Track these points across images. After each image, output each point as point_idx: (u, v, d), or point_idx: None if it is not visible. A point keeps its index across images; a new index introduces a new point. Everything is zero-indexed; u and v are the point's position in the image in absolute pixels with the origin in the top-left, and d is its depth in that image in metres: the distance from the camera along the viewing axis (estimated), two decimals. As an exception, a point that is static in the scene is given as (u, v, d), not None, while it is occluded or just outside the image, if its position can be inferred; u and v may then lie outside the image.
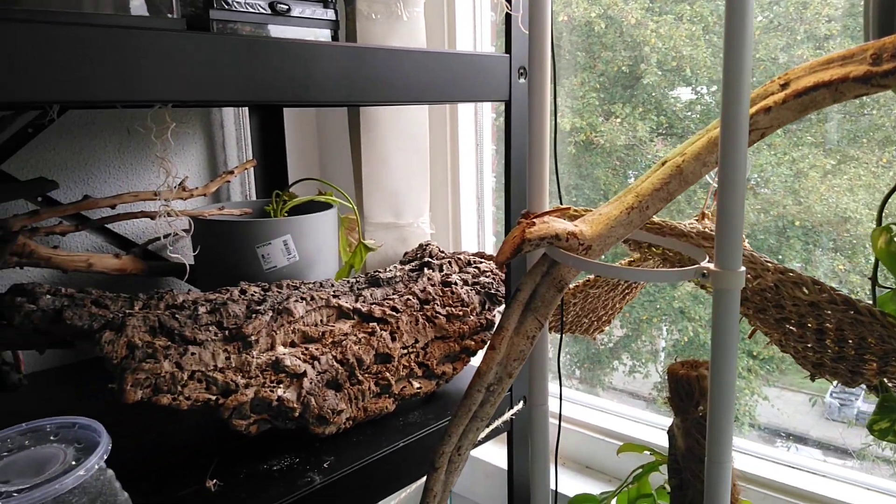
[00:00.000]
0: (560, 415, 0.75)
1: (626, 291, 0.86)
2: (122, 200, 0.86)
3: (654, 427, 1.04)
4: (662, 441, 1.00)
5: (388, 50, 0.62)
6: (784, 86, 0.52)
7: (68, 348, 0.68)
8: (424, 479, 0.74)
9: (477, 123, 1.17)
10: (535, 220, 0.52)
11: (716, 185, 0.78)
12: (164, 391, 0.62)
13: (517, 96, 0.75)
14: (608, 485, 1.05)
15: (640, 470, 0.72)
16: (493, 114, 1.20)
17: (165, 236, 0.71)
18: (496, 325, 0.51)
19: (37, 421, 0.53)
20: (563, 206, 0.60)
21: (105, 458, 0.49)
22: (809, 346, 0.60)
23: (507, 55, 0.74)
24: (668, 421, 1.05)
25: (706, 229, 0.60)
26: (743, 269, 0.50)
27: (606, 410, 1.09)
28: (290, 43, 0.54)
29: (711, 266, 0.50)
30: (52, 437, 0.52)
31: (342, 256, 1.05)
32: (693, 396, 0.58)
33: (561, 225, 0.52)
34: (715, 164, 0.54)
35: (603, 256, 0.55)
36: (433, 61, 0.66)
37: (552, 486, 0.66)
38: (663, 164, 0.55)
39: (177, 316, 0.69)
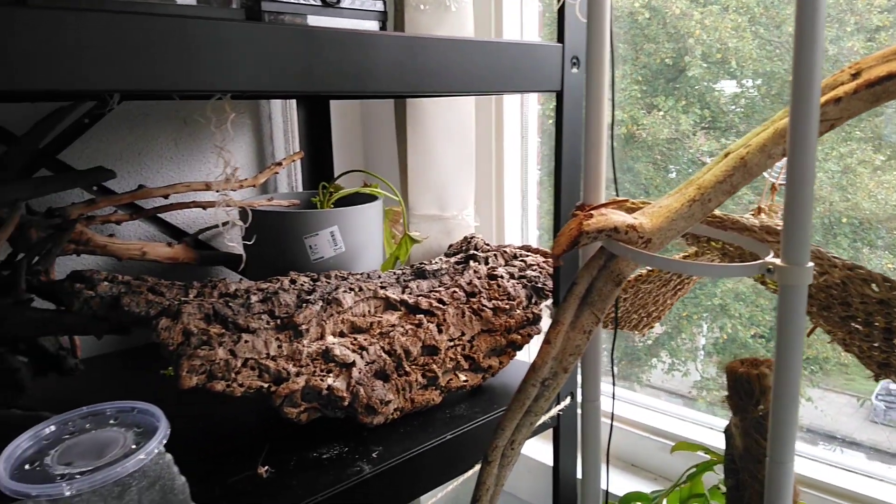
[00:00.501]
0: (612, 413, 0.73)
1: (678, 287, 0.84)
2: (176, 190, 0.88)
3: (699, 425, 1.02)
4: (706, 439, 0.99)
5: (442, 39, 0.61)
6: (855, 75, 0.50)
7: (124, 334, 0.69)
8: (470, 472, 0.74)
9: (522, 115, 1.16)
10: (592, 212, 0.51)
11: (772, 180, 0.76)
12: (219, 378, 0.63)
13: (570, 87, 0.74)
14: (653, 483, 1.03)
15: (694, 469, 0.71)
16: (539, 105, 1.19)
17: (224, 224, 0.71)
18: (552, 319, 0.50)
19: (97, 405, 0.54)
20: (620, 199, 0.59)
21: (164, 442, 0.49)
22: (876, 345, 0.57)
23: (560, 44, 0.73)
24: (713, 419, 1.03)
25: (772, 224, 0.58)
26: (811, 264, 0.48)
27: (651, 408, 1.07)
28: (346, 33, 0.54)
29: (778, 261, 0.49)
30: (111, 421, 0.53)
31: (385, 248, 1.05)
32: (753, 395, 0.56)
33: (620, 217, 0.51)
34: (781, 155, 0.53)
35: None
36: (485, 51, 0.66)
37: (603, 486, 0.65)
38: (726, 155, 0.53)
39: (230, 304, 0.70)
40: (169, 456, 0.50)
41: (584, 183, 0.60)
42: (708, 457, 0.70)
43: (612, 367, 0.70)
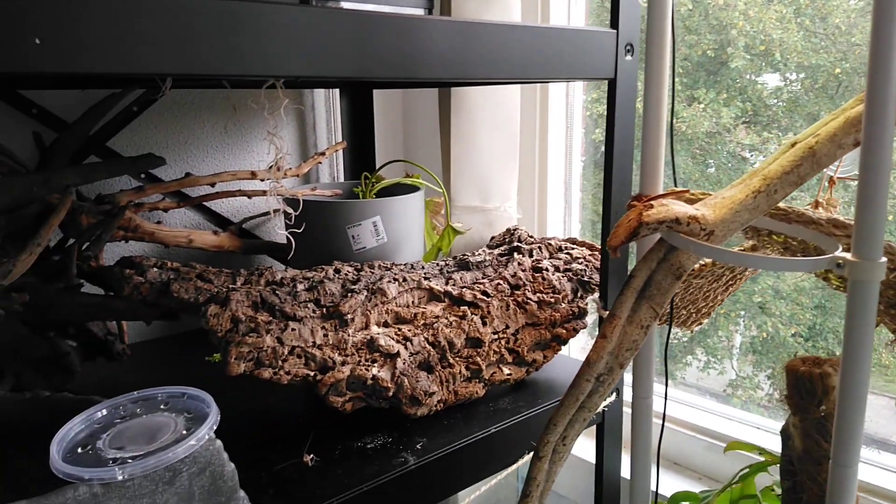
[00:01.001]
0: (664, 413, 0.71)
1: (730, 283, 0.81)
2: (221, 179, 0.88)
3: (744, 424, 0.99)
4: (751, 438, 0.96)
5: (495, 25, 0.60)
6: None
7: (173, 320, 0.70)
8: (514, 466, 0.73)
9: (568, 105, 1.14)
10: (651, 202, 0.49)
11: (829, 173, 0.72)
12: (266, 365, 0.63)
13: (623, 74, 0.72)
14: (696, 482, 1.01)
15: (747, 470, 0.69)
16: (585, 95, 1.16)
17: (275, 211, 0.71)
18: (608, 313, 0.49)
19: (148, 390, 0.54)
20: (679, 189, 0.57)
21: (214, 428, 0.49)
22: (948, 347, 0.55)
23: (614, 31, 0.71)
24: (757, 418, 1.00)
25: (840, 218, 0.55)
26: (884, 259, 0.46)
27: (693, 405, 1.05)
28: (400, 18, 0.53)
29: (848, 256, 0.46)
30: (162, 406, 0.53)
31: (426, 239, 1.04)
32: (815, 395, 0.54)
33: (681, 208, 0.49)
34: (852, 146, 0.50)
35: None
36: (538, 37, 0.64)
37: (652, 487, 0.63)
38: (793, 145, 0.51)
39: (277, 292, 0.70)
40: (219, 442, 0.50)
41: (641, 173, 0.58)
42: (763, 458, 0.68)
43: (666, 365, 0.68)
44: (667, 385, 0.70)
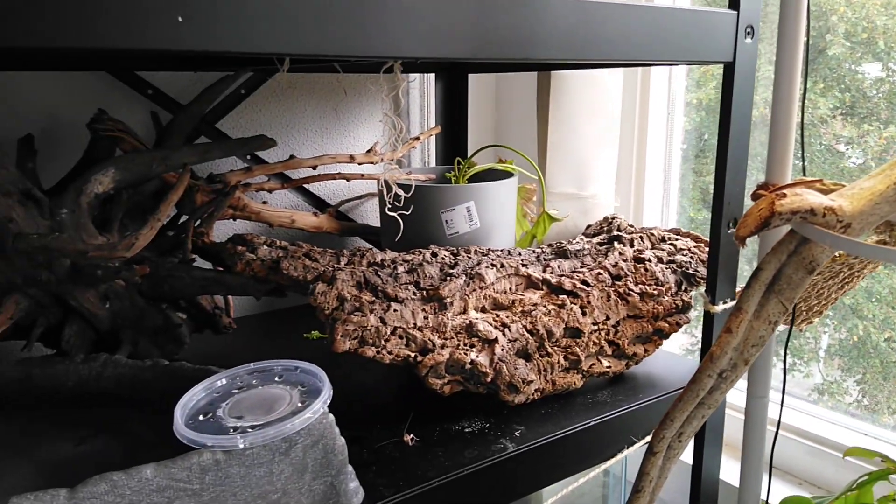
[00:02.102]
0: (779, 420, 0.67)
1: (846, 281, 0.77)
2: (322, 162, 0.90)
3: (850, 430, 0.94)
4: (854, 442, 0.91)
5: (614, 4, 0.58)
6: None
7: (280, 297, 0.72)
8: (612, 460, 0.71)
9: (670, 92, 1.10)
10: (784, 191, 0.47)
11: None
12: (370, 344, 0.63)
13: (742, 58, 0.68)
14: (798, 488, 0.96)
15: (865, 477, 0.64)
16: (686, 81, 1.12)
17: (388, 192, 0.72)
18: (733, 307, 0.46)
19: (263, 362, 0.56)
20: (810, 178, 0.53)
21: (328, 403, 0.50)
22: None
23: (734, 12, 0.67)
24: (863, 424, 0.94)
25: None
26: None
27: (794, 409, 1.00)
28: (518, -4, 0.52)
29: None
30: (276, 379, 0.54)
31: (518, 226, 1.03)
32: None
33: (816, 198, 0.46)
34: None
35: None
36: (656, 17, 0.61)
37: (762, 494, 0.61)
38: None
39: (379, 273, 0.70)
40: (331, 417, 0.51)
41: (768, 161, 0.55)
42: (885, 465, 0.63)
43: (784, 367, 0.64)
44: (784, 387, 0.67)
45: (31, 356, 0.66)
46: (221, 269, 0.75)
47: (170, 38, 0.39)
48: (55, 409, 0.62)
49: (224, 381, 0.54)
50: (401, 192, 0.78)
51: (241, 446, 0.46)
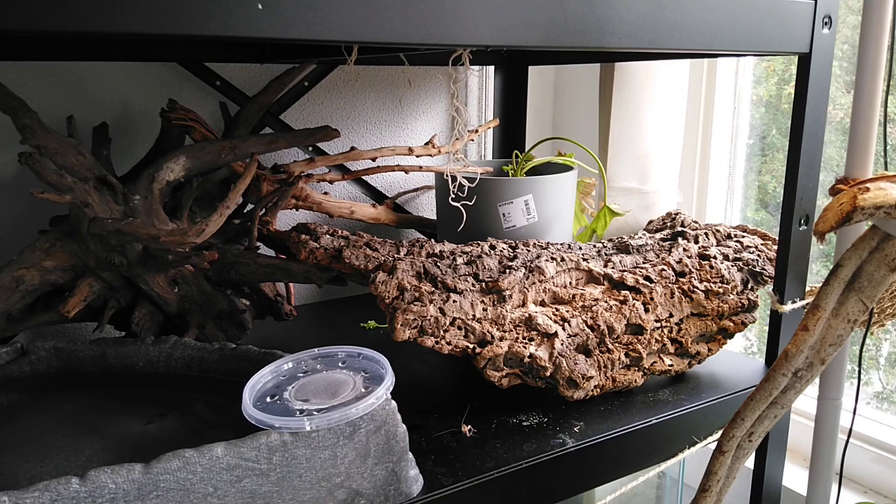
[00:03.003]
0: (851, 428, 0.63)
1: (927, 283, 0.73)
2: (382, 154, 0.90)
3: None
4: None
5: (688, -7, 0.56)
6: None
7: (341, 285, 0.73)
8: (673, 460, 0.70)
9: (736, 85, 1.06)
10: (867, 185, 0.45)
11: None
12: (429, 334, 0.64)
13: (819, 48, 0.66)
14: (863, 496, 0.93)
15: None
16: (753, 76, 1.08)
17: (454, 180, 0.72)
18: (810, 304, 0.45)
19: (327, 348, 0.57)
20: (891, 173, 0.51)
21: (391, 389, 0.51)
22: None
23: (812, 1, 0.65)
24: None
25: None
26: None
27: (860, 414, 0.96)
28: (590, -16, 0.51)
29: None
30: (340, 364, 0.55)
31: (576, 221, 1.02)
32: None
33: (904, 192, 0.44)
34: None
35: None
36: (731, 5, 0.60)
37: (831, 501, 0.58)
38: None
39: (438, 264, 0.70)
40: (394, 403, 0.51)
41: (847, 154, 0.53)
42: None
43: (859, 370, 0.62)
44: (858, 392, 0.64)
45: (104, 337, 0.69)
46: (284, 257, 0.76)
47: (251, 26, 0.40)
48: (126, 388, 0.64)
49: (290, 365, 0.55)
50: (465, 183, 0.78)
51: (308, 428, 0.47)
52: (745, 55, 0.97)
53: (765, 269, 0.78)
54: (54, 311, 0.70)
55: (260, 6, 0.40)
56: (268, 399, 0.51)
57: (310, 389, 0.52)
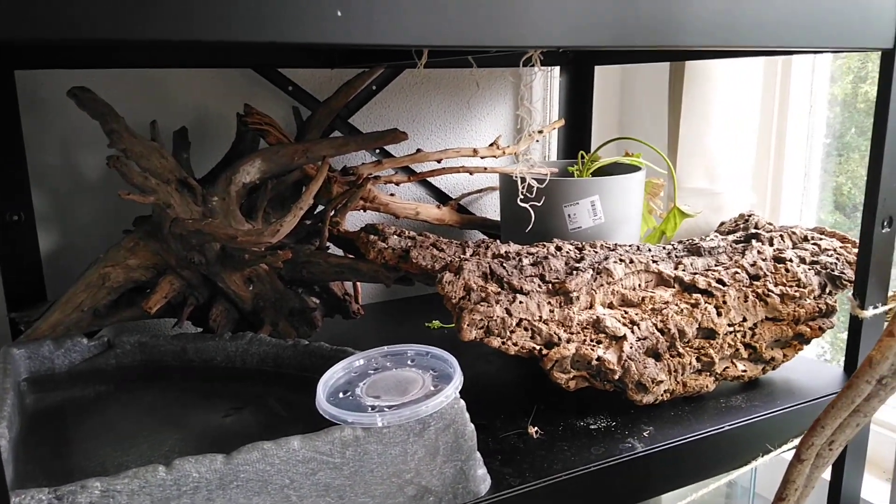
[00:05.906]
0: None
1: None
2: (447, 155, 0.91)
3: None
4: None
5: (765, -12, 0.55)
6: None
7: (408, 285, 0.74)
8: (747, 467, 0.68)
9: (812, 84, 1.03)
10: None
11: None
12: (495, 334, 0.64)
13: (906, 43, 0.63)
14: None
15: None
16: (830, 75, 1.04)
17: (523, 181, 0.72)
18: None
19: (396, 346, 0.58)
20: None
21: (460, 388, 0.51)
22: None
23: (898, -7, 0.62)
24: None
25: None
26: None
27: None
28: (664, -18, 0.51)
29: None
30: (409, 363, 0.56)
31: (643, 222, 1.00)
32: None
33: None
34: None
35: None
36: (810, 0, 0.58)
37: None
38: None
39: (504, 265, 0.71)
40: (462, 403, 0.52)
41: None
42: None
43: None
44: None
45: (184, 332, 0.72)
46: (353, 256, 0.78)
47: (330, 33, 0.41)
48: (205, 382, 0.67)
49: (361, 362, 0.56)
50: (534, 184, 0.78)
51: (380, 424, 0.48)
52: (825, 52, 0.94)
53: (844, 273, 0.75)
54: (137, 308, 0.74)
55: (339, 13, 0.41)
56: (340, 395, 0.52)
57: (380, 386, 0.53)
